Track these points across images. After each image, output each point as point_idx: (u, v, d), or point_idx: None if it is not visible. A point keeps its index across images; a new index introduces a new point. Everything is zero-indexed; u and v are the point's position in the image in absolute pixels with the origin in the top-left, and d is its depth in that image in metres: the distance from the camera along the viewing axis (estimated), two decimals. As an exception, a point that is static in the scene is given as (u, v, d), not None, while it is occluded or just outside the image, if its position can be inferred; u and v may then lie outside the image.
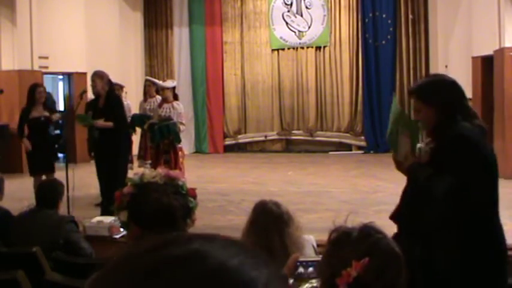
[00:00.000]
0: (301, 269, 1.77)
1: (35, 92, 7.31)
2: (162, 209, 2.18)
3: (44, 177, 7.08)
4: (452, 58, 11.58)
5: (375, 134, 12.96)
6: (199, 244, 0.64)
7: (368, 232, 1.62)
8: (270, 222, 2.98)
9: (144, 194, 2.22)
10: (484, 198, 2.78)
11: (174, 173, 2.34)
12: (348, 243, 1.60)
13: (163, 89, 7.79)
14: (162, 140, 7.43)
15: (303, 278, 1.79)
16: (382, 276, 1.54)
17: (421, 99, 2.85)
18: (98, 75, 7.03)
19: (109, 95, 7.08)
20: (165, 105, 7.67)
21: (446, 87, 2.91)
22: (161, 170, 2.33)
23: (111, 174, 6.83)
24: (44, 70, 11.37)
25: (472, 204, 2.70)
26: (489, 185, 2.83)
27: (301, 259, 1.81)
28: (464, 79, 10.88)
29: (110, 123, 6.90)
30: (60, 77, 12.89)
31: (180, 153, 7.69)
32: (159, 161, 7.39)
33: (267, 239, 2.96)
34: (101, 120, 6.92)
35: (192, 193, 2.31)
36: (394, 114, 3.23)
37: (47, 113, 7.42)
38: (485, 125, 3.00)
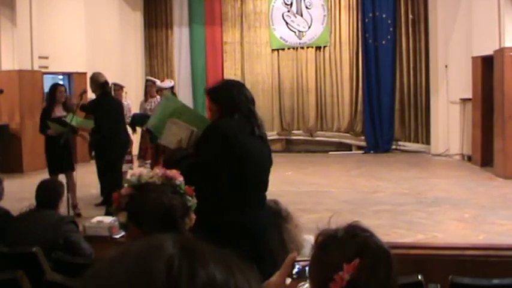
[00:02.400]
0: (298, 268, 1.76)
1: (56, 92, 7.38)
2: (162, 209, 2.18)
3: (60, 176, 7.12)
4: (452, 58, 11.58)
5: (375, 134, 12.97)
6: (211, 268, 0.64)
7: (354, 232, 1.59)
8: (268, 218, 3.00)
9: (142, 195, 2.22)
10: (223, 179, 3.11)
11: (171, 172, 2.33)
12: (336, 246, 1.57)
13: (162, 89, 7.86)
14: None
15: (301, 278, 1.78)
16: (376, 275, 1.52)
17: (212, 99, 3.31)
18: (91, 78, 7.37)
19: (98, 98, 7.39)
20: None
21: (232, 90, 3.29)
22: (158, 170, 2.33)
23: (99, 175, 7.32)
24: (44, 70, 11.37)
25: (211, 180, 3.08)
26: (232, 169, 3.12)
27: (299, 258, 1.80)
28: (464, 79, 10.90)
29: (87, 127, 7.27)
30: (60, 77, 12.88)
31: None
32: (159, 160, 7.44)
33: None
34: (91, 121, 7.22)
35: (189, 192, 2.31)
36: (170, 107, 3.61)
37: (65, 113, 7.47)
38: (263, 132, 3.35)
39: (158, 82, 8.57)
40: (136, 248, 0.67)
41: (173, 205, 2.19)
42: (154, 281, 0.62)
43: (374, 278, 1.52)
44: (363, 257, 1.51)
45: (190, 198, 2.29)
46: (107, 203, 6.92)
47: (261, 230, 3.02)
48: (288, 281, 1.82)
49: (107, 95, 7.45)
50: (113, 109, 7.32)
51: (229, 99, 3.23)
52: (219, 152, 3.10)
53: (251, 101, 3.30)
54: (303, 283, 1.81)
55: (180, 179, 2.31)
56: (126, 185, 2.30)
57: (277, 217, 3.03)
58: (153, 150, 7.86)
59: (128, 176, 2.49)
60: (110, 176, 7.07)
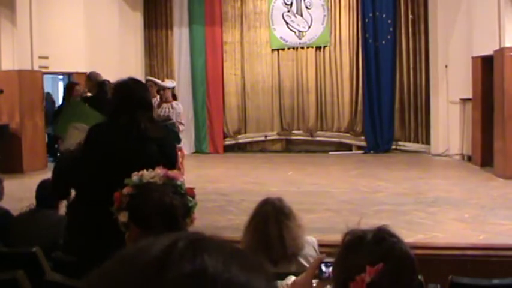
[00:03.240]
0: (325, 269, 1.75)
1: (72, 90, 7.41)
2: (164, 209, 2.18)
3: None
4: (452, 58, 11.58)
5: (375, 134, 12.97)
6: (204, 258, 0.62)
7: (382, 236, 1.60)
8: (269, 213, 3.02)
9: (144, 195, 2.22)
10: (83, 178, 3.34)
11: (173, 173, 2.34)
12: (362, 248, 1.58)
13: (164, 88, 7.81)
14: None
15: (326, 279, 1.77)
16: (397, 282, 1.52)
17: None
18: (88, 76, 7.32)
19: (95, 96, 7.30)
20: (164, 105, 7.69)
21: (116, 92, 3.49)
22: (160, 171, 2.33)
23: None
24: (44, 70, 11.37)
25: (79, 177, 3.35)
26: (92, 170, 3.29)
27: (326, 260, 1.80)
28: (464, 79, 10.91)
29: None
30: (60, 77, 12.91)
31: (179, 153, 7.70)
32: None
33: (265, 229, 2.99)
34: None
35: (190, 192, 2.31)
36: (74, 112, 3.81)
37: None
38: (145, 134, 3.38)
39: (160, 82, 8.55)
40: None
41: (174, 205, 2.19)
42: (149, 254, 0.62)
43: (395, 284, 1.51)
44: (387, 262, 1.52)
45: (191, 199, 2.29)
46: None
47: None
48: (315, 282, 1.81)
49: (104, 94, 7.44)
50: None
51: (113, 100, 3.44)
52: (87, 153, 3.34)
53: (136, 104, 3.34)
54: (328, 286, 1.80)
55: (181, 180, 2.31)
56: (128, 184, 2.30)
57: (279, 213, 3.03)
58: None
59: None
60: None
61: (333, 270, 1.64)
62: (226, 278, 0.61)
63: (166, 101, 7.72)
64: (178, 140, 7.64)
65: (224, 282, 0.60)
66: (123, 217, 2.25)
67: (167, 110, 7.62)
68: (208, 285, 0.60)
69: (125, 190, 2.28)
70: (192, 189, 2.34)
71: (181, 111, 7.82)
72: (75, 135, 3.53)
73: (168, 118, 7.55)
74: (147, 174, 2.29)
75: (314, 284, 1.75)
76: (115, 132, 3.29)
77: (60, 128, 3.77)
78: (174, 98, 7.92)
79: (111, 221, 2.35)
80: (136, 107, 3.30)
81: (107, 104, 7.25)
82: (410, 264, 1.57)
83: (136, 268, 0.61)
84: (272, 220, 3.01)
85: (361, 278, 1.49)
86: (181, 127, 7.65)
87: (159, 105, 7.74)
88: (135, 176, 2.32)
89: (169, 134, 4.11)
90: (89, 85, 7.36)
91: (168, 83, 8.08)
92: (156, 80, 9.12)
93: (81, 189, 3.42)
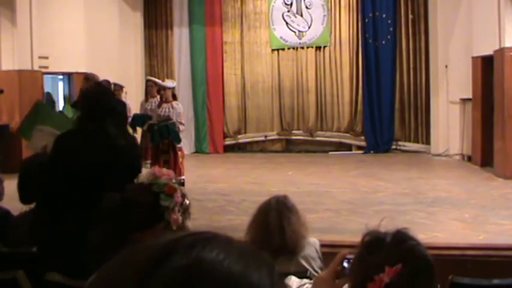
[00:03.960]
0: (347, 265, 1.74)
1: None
2: (117, 208, 2.18)
3: None
4: (452, 58, 11.58)
5: (375, 134, 12.97)
6: (200, 251, 0.61)
7: (402, 238, 1.61)
8: (272, 205, 3.08)
9: (126, 195, 2.24)
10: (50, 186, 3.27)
11: (160, 171, 2.31)
12: (382, 248, 1.58)
13: (165, 88, 7.85)
14: (161, 140, 7.49)
15: (348, 275, 1.76)
16: (415, 284, 1.52)
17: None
18: (86, 78, 7.32)
19: None
20: (164, 105, 7.77)
21: (84, 101, 3.62)
22: (152, 169, 2.32)
23: None
24: (44, 70, 11.36)
25: None
26: (58, 178, 3.24)
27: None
28: (464, 79, 10.90)
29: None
30: (60, 77, 12.88)
31: (179, 153, 7.75)
32: (159, 160, 7.42)
33: (265, 219, 3.01)
34: None
35: (168, 191, 2.23)
36: (40, 114, 3.75)
37: None
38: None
39: (160, 82, 8.58)
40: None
41: (118, 205, 2.18)
42: (146, 253, 0.62)
43: (413, 286, 1.52)
44: (406, 264, 1.52)
45: (166, 197, 2.22)
46: None
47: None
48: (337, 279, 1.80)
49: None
50: None
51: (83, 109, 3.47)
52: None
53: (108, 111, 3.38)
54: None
55: (166, 177, 2.26)
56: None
57: (282, 205, 3.09)
58: (153, 150, 7.86)
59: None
60: None
61: (351, 269, 1.65)
62: (222, 270, 0.60)
63: (167, 101, 7.81)
64: (179, 140, 7.70)
65: (219, 275, 0.59)
66: None
67: (167, 110, 7.71)
68: (203, 277, 0.59)
69: None
70: (172, 187, 2.26)
71: (181, 111, 7.92)
72: (40, 138, 3.52)
73: (168, 118, 7.65)
74: (143, 175, 2.29)
75: (337, 281, 1.74)
76: (83, 141, 3.31)
77: (23, 130, 3.76)
78: (174, 98, 8.01)
79: (75, 226, 2.39)
80: (104, 115, 3.33)
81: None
82: (428, 268, 1.57)
83: (133, 266, 0.61)
84: (273, 211, 3.05)
85: (380, 278, 1.49)
86: (181, 127, 7.75)
87: (160, 105, 7.81)
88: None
89: (136, 142, 4.09)
90: (87, 85, 7.38)
91: (169, 83, 8.14)
92: (156, 80, 9.16)
93: (46, 196, 3.40)
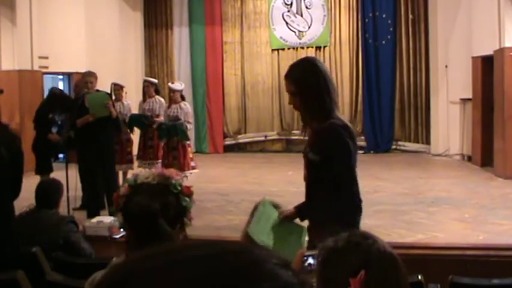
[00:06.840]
0: (311, 261, 1.70)
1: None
2: (141, 212, 2.17)
3: None
4: (452, 58, 11.58)
5: (375, 134, 12.97)
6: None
7: (355, 242, 1.51)
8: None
9: (132, 196, 2.22)
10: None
11: (168, 171, 2.31)
12: (338, 261, 1.48)
13: (174, 91, 8.12)
14: (169, 137, 7.73)
15: (313, 271, 1.72)
16: (385, 283, 1.47)
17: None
18: (94, 76, 7.34)
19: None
20: (173, 106, 8.14)
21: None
22: (155, 170, 2.32)
23: (81, 177, 7.25)
24: (44, 70, 11.37)
25: None
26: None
27: (308, 253, 1.74)
28: (464, 79, 10.91)
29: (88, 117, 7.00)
30: (60, 77, 12.88)
31: (189, 149, 8.30)
32: (169, 157, 7.89)
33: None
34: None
35: (186, 191, 2.27)
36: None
37: None
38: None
39: (170, 84, 8.73)
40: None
41: (152, 208, 2.17)
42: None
43: (384, 286, 1.46)
44: (368, 268, 1.44)
45: (186, 198, 2.26)
46: (85, 206, 6.98)
47: None
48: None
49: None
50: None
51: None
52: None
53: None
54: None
55: (176, 178, 2.28)
56: (126, 184, 2.30)
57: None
58: (164, 149, 8.06)
59: (129, 176, 2.49)
60: (83, 177, 7.09)
61: None
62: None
63: (175, 102, 8.14)
64: (187, 138, 8.10)
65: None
66: (120, 217, 2.24)
67: (176, 110, 8.08)
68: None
69: (122, 190, 2.27)
70: (189, 187, 2.30)
71: (189, 111, 8.28)
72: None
73: (177, 118, 7.99)
74: (142, 175, 2.27)
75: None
76: None
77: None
78: (183, 98, 8.30)
79: None
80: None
81: None
82: (392, 262, 1.49)
83: None
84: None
85: None
86: (189, 126, 8.12)
87: (169, 106, 8.18)
88: (132, 176, 2.31)
89: (16, 138, 3.95)
90: (95, 84, 7.33)
91: (177, 86, 8.48)
92: (152, 79, 9.30)
93: None
